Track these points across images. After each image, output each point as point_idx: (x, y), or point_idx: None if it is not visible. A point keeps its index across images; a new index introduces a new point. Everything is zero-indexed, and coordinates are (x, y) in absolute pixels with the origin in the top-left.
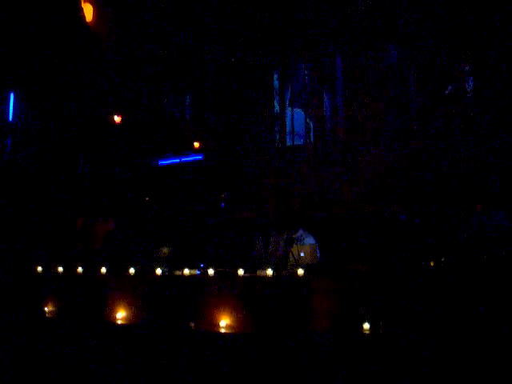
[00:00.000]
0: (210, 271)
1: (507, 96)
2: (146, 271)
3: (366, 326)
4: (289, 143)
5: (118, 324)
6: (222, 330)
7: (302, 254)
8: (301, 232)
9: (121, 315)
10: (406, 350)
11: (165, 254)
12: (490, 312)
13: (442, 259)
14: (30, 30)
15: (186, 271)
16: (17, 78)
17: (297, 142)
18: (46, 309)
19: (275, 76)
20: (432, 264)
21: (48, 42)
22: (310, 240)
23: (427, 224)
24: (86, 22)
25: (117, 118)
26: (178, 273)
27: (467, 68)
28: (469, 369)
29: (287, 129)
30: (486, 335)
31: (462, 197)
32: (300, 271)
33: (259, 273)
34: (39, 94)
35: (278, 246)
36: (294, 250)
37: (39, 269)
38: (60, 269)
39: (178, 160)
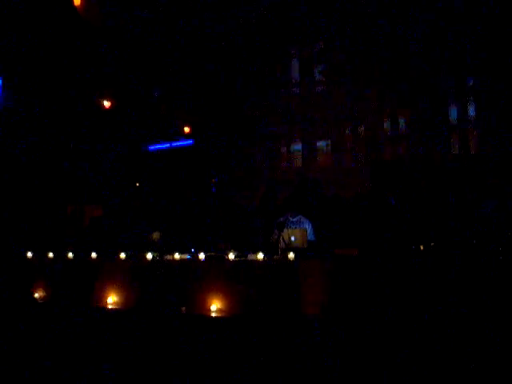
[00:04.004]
0: (201, 255)
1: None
2: (136, 256)
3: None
4: None
5: (108, 309)
6: (213, 314)
7: (292, 239)
8: (299, 217)
9: (112, 300)
10: (397, 333)
11: (155, 238)
12: (479, 295)
13: (432, 243)
14: (17, 15)
15: (177, 256)
16: (5, 64)
17: None
18: (36, 294)
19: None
20: (422, 248)
21: (36, 28)
22: (307, 225)
23: (417, 208)
24: (75, 6)
25: (106, 103)
26: (168, 257)
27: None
28: (458, 351)
29: None
30: (475, 318)
31: (452, 183)
32: (290, 255)
33: (250, 257)
34: (28, 81)
35: (271, 230)
36: (285, 234)
37: (29, 254)
38: (50, 254)
39: (168, 145)
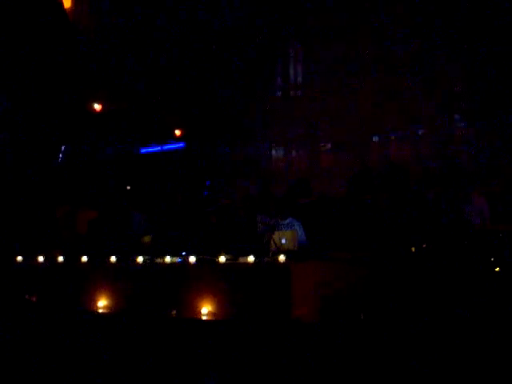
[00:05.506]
0: (192, 259)
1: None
2: (127, 259)
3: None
4: None
5: (99, 313)
6: (204, 318)
7: (283, 241)
8: (290, 219)
9: (102, 304)
10: (390, 335)
11: (146, 242)
12: (471, 295)
13: (424, 245)
14: (7, 17)
15: (168, 259)
16: None
17: None
18: (27, 298)
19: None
20: (413, 250)
21: (27, 30)
22: (297, 227)
23: (409, 210)
24: (65, 9)
25: (97, 106)
26: (159, 261)
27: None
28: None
29: None
30: (468, 318)
31: (443, 182)
32: (281, 258)
33: (241, 260)
34: (18, 82)
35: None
36: (276, 236)
37: (19, 258)
38: (40, 258)
39: (159, 148)
